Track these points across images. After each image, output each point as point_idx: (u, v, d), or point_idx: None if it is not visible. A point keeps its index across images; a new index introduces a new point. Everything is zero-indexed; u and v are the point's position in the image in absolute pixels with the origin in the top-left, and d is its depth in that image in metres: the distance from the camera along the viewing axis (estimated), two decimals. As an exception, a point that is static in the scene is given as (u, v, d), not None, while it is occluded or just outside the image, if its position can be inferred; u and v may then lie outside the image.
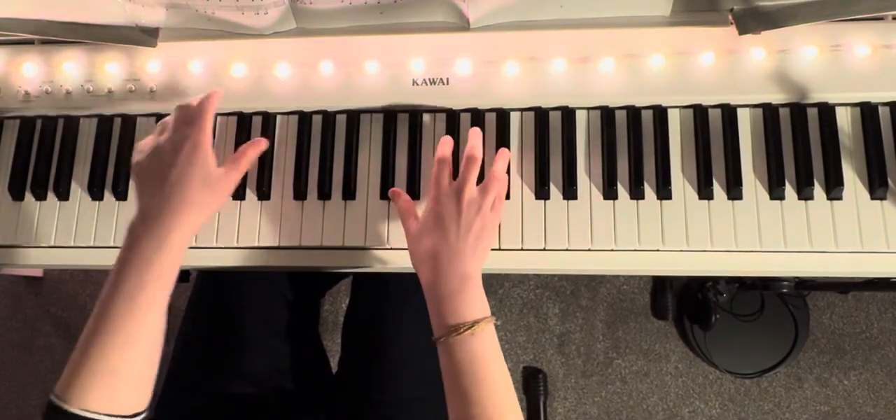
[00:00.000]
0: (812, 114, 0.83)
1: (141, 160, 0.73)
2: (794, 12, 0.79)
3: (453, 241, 0.72)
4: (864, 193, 0.80)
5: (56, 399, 0.63)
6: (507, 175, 0.79)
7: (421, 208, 0.79)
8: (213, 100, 0.76)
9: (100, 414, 0.63)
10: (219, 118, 0.89)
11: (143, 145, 0.75)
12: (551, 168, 0.83)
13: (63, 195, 0.88)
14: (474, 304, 0.70)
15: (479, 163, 0.77)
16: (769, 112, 0.82)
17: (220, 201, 0.74)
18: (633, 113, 0.84)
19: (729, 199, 0.81)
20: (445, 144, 0.78)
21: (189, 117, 0.74)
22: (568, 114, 0.85)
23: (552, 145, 0.84)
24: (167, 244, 0.68)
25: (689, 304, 1.56)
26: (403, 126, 0.86)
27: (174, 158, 0.71)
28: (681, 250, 0.80)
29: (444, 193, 0.75)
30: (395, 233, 0.83)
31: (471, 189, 0.74)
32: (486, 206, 0.74)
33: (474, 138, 0.78)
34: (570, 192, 0.82)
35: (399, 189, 0.81)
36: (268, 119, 0.88)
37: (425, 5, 0.83)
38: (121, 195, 0.87)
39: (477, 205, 0.74)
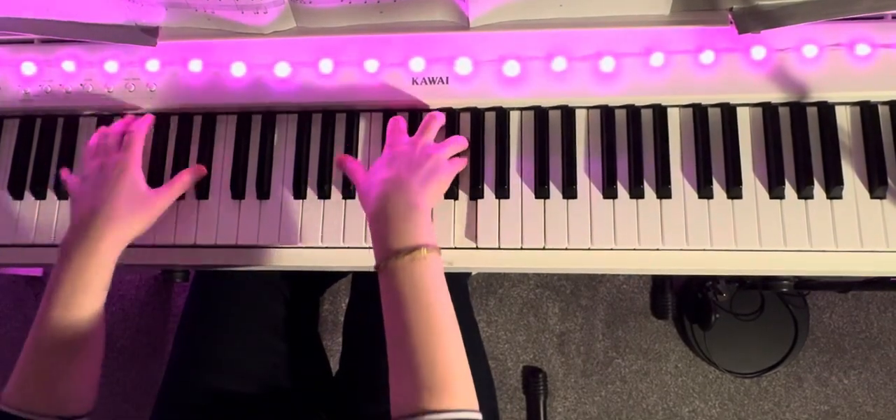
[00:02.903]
0: (812, 113, 0.82)
1: (77, 184, 0.80)
2: (793, 11, 0.79)
3: (404, 174, 0.73)
4: (864, 192, 0.80)
5: (3, 406, 0.67)
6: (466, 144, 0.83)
7: None
8: (144, 127, 0.84)
9: (42, 415, 0.67)
10: (218, 117, 0.89)
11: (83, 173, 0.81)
12: (551, 167, 0.83)
13: (63, 194, 0.88)
14: (420, 231, 0.69)
15: (441, 124, 0.81)
16: (769, 111, 0.82)
17: (148, 219, 0.79)
18: (633, 112, 0.84)
19: (729, 198, 0.81)
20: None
21: (121, 143, 0.81)
22: (567, 113, 0.84)
23: (552, 144, 0.84)
24: (95, 254, 0.72)
25: (688, 303, 1.56)
26: (403, 125, 0.86)
27: (103, 180, 0.77)
28: (680, 249, 0.80)
29: (399, 139, 0.78)
30: (395, 232, 0.83)
31: (428, 137, 0.78)
32: (442, 153, 0.77)
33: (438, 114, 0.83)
34: (569, 192, 0.82)
35: (344, 154, 0.84)
36: (267, 118, 0.88)
37: (425, 4, 0.83)
38: (120, 194, 0.87)
39: (432, 149, 0.77)
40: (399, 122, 0.82)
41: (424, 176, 0.74)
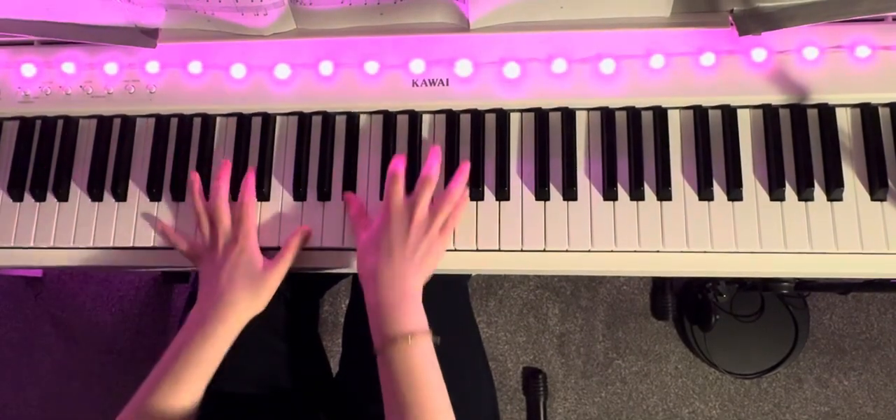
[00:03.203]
0: (812, 115, 0.82)
1: (202, 262, 0.83)
2: (794, 13, 0.79)
3: (397, 261, 0.76)
4: (865, 194, 0.80)
5: None
6: (466, 190, 0.82)
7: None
8: (252, 190, 0.84)
9: None
10: (218, 119, 0.89)
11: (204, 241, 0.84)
12: (551, 169, 0.83)
13: (62, 196, 0.87)
14: (412, 317, 0.75)
15: (434, 183, 0.80)
16: (769, 113, 0.82)
17: (266, 298, 0.81)
18: (633, 114, 0.84)
19: (729, 200, 0.81)
20: (397, 161, 0.81)
21: (233, 214, 0.83)
22: (568, 114, 0.84)
23: (552, 146, 0.84)
24: (212, 338, 0.77)
25: (689, 304, 1.56)
26: (403, 127, 0.86)
27: (223, 263, 0.80)
28: (681, 251, 0.80)
29: (394, 213, 0.78)
30: (395, 234, 0.83)
31: (422, 210, 0.78)
32: (434, 228, 0.78)
33: (432, 158, 0.81)
34: (569, 193, 0.82)
35: (352, 194, 0.84)
36: (267, 120, 0.88)
37: (425, 6, 0.83)
38: (120, 196, 0.87)
39: (426, 226, 0.77)
40: (397, 173, 0.80)
41: (418, 262, 0.76)
